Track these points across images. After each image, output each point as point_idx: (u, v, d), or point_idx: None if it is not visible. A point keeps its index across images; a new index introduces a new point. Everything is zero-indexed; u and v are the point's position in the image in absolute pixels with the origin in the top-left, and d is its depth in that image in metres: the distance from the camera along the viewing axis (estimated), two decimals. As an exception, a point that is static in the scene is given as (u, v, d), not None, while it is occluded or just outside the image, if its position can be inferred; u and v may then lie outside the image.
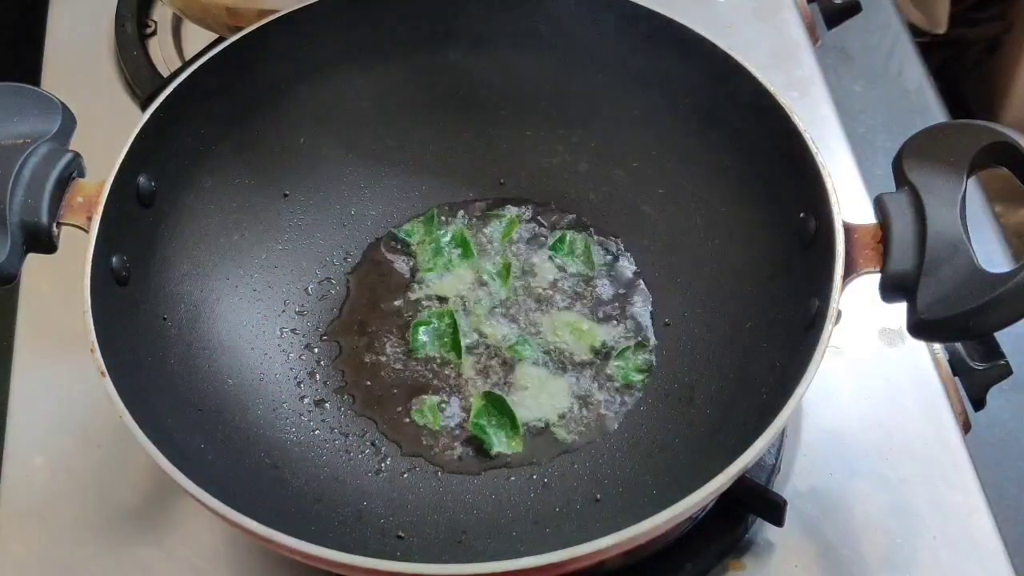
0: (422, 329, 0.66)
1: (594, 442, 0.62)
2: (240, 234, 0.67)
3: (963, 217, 0.51)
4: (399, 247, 0.70)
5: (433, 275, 0.69)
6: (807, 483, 0.63)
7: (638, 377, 0.64)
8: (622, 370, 0.64)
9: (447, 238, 0.69)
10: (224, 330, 0.64)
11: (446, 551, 0.56)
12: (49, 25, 0.88)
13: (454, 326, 0.66)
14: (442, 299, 0.68)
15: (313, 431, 0.62)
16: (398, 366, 0.66)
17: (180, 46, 0.87)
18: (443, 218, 0.71)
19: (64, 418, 0.67)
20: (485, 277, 0.68)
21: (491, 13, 0.67)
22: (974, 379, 0.68)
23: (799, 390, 0.50)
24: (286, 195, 0.69)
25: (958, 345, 0.69)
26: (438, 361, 0.66)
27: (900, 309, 0.52)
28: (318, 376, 0.65)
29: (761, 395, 0.54)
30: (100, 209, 0.56)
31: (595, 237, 0.70)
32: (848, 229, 0.53)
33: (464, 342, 0.65)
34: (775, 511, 0.60)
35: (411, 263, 0.70)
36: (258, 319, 0.66)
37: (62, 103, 0.59)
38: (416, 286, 0.69)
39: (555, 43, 0.68)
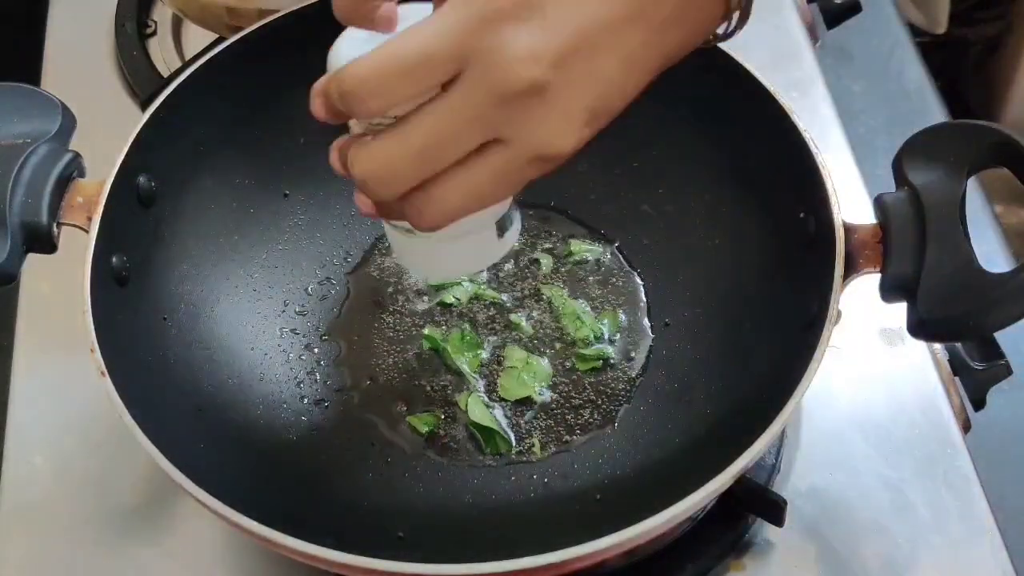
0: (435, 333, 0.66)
1: (594, 441, 0.62)
2: (240, 234, 0.67)
3: (963, 217, 0.51)
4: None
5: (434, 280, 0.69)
6: (807, 483, 0.63)
7: (624, 371, 0.64)
8: (615, 362, 0.65)
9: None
10: (224, 330, 0.64)
11: (446, 551, 0.56)
12: (49, 25, 0.88)
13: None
14: (444, 304, 0.68)
15: (313, 431, 0.62)
16: (398, 366, 0.66)
17: (180, 46, 0.87)
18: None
19: (64, 418, 0.67)
20: (485, 280, 0.69)
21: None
22: (974, 379, 0.68)
23: (799, 390, 0.50)
24: (286, 195, 0.69)
25: (958, 345, 0.69)
26: (437, 361, 0.66)
27: (900, 309, 0.52)
28: (318, 376, 0.65)
29: (761, 395, 0.54)
30: (100, 209, 0.56)
31: (595, 236, 0.70)
32: (848, 229, 0.53)
33: (466, 345, 0.66)
34: (775, 511, 0.60)
35: (411, 263, 0.70)
36: (258, 319, 0.66)
37: (62, 103, 0.59)
38: (417, 287, 0.69)
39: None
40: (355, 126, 0.45)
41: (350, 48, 0.44)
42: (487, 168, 0.41)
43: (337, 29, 0.67)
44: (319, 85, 0.42)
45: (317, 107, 0.42)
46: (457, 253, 0.48)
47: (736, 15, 0.45)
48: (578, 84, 0.40)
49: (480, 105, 0.39)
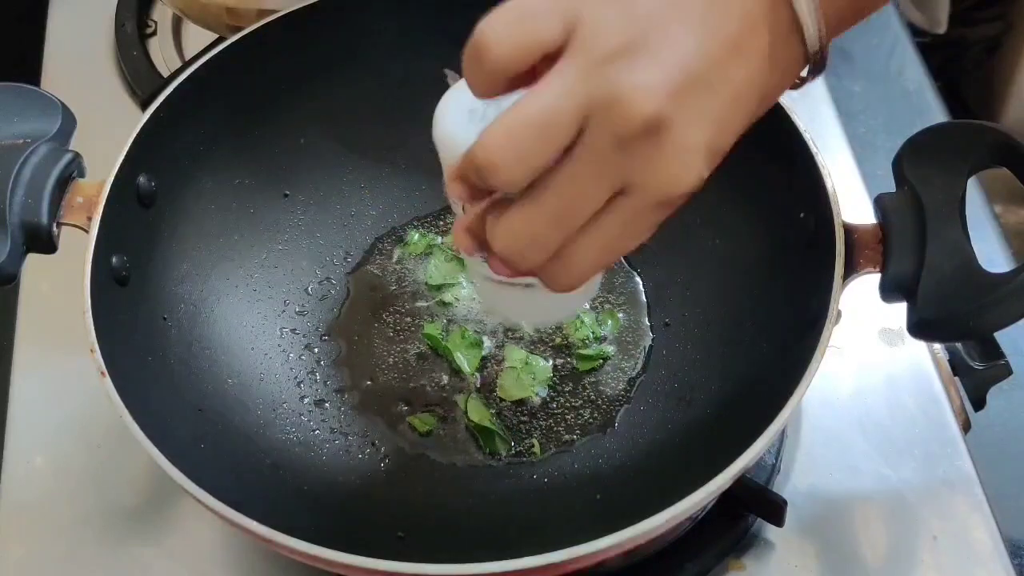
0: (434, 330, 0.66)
1: (593, 441, 0.62)
2: (240, 234, 0.67)
3: (963, 217, 0.51)
4: (400, 247, 0.70)
5: (434, 280, 0.69)
6: (807, 483, 0.63)
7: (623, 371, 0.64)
8: (615, 363, 0.65)
9: (446, 250, 0.69)
10: (224, 330, 0.64)
11: (446, 551, 0.56)
12: (49, 25, 0.88)
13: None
14: (444, 303, 0.68)
15: (313, 431, 0.62)
16: (398, 366, 0.66)
17: (180, 46, 0.87)
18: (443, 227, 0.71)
19: (64, 418, 0.67)
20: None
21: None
22: (974, 379, 0.68)
23: (799, 390, 0.50)
24: (286, 195, 0.69)
25: (958, 345, 0.69)
26: (438, 361, 0.66)
27: (900, 309, 0.52)
28: (318, 376, 0.65)
29: (761, 395, 0.54)
30: (100, 209, 0.56)
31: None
32: (848, 229, 0.53)
33: (466, 344, 0.66)
34: (775, 511, 0.60)
35: (411, 263, 0.70)
36: (258, 319, 0.66)
37: (62, 103, 0.59)
38: (417, 286, 0.69)
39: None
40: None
41: (457, 123, 0.43)
42: (617, 221, 0.41)
43: (336, 30, 0.67)
44: (455, 172, 0.41)
45: (459, 193, 0.41)
46: (561, 295, 0.45)
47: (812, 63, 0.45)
48: (694, 119, 0.39)
49: (604, 153, 0.39)
